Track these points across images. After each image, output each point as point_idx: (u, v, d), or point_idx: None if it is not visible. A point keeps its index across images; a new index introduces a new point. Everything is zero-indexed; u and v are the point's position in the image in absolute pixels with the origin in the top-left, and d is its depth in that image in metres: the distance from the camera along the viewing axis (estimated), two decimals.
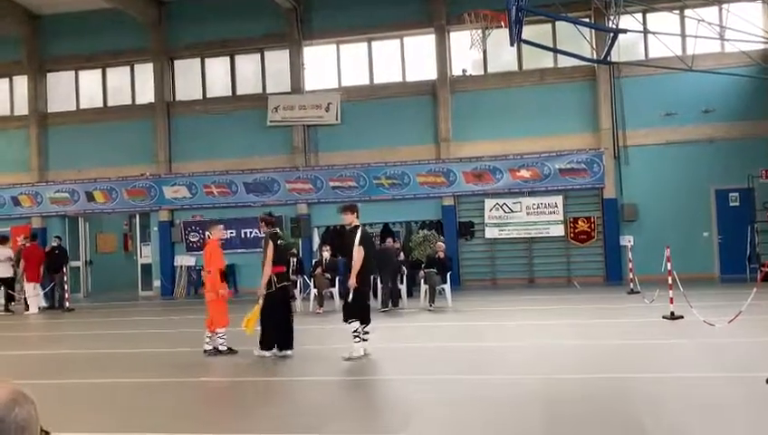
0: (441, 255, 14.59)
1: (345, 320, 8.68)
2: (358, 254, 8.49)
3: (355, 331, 8.49)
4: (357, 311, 8.55)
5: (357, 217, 8.83)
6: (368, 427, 5.86)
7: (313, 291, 14.48)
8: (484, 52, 17.92)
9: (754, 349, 8.22)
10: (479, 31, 16.47)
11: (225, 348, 9.28)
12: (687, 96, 17.57)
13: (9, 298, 16.31)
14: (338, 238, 12.97)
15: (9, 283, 16.43)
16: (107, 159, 20.75)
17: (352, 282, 8.48)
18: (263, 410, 6.54)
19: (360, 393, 7.30)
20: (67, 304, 16.94)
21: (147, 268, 20.92)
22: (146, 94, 21.18)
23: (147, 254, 21.02)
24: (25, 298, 16.65)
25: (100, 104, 21.63)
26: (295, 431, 5.67)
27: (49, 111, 21.86)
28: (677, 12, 17.03)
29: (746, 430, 5.13)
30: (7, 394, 1.62)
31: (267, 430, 5.76)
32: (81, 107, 21.77)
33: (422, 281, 14.28)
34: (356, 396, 7.19)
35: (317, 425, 5.80)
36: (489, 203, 18.55)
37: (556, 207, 18.29)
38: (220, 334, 9.32)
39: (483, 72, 19.37)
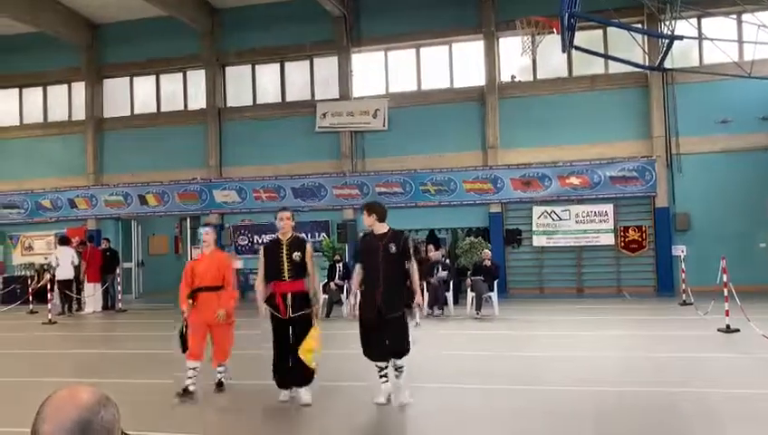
0: (488, 262, 14.50)
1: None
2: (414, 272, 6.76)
3: (378, 366, 6.72)
4: (363, 343, 6.72)
5: (380, 219, 6.78)
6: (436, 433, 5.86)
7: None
8: (534, 58, 17.77)
9: None
10: (530, 37, 16.35)
11: (186, 388, 7.20)
12: (744, 103, 17.12)
13: (68, 300, 16.76)
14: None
15: (68, 285, 16.87)
16: (159, 164, 21.24)
17: (418, 299, 7.00)
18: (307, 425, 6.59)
19: (415, 400, 7.30)
20: (119, 305, 17.38)
21: None
22: (198, 100, 21.63)
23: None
24: (79, 298, 17.08)
25: (154, 110, 22.16)
26: None
27: (105, 116, 22.50)
28: (735, 17, 16.63)
29: None
30: (93, 397, 1.69)
31: None
32: (136, 112, 22.35)
33: (468, 289, 14.22)
34: (414, 402, 7.19)
35: None
36: (537, 210, 18.36)
37: (606, 215, 18.00)
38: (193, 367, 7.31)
39: (532, 78, 19.21)
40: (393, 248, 6.54)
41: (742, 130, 17.20)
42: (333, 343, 9.48)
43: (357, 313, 6.75)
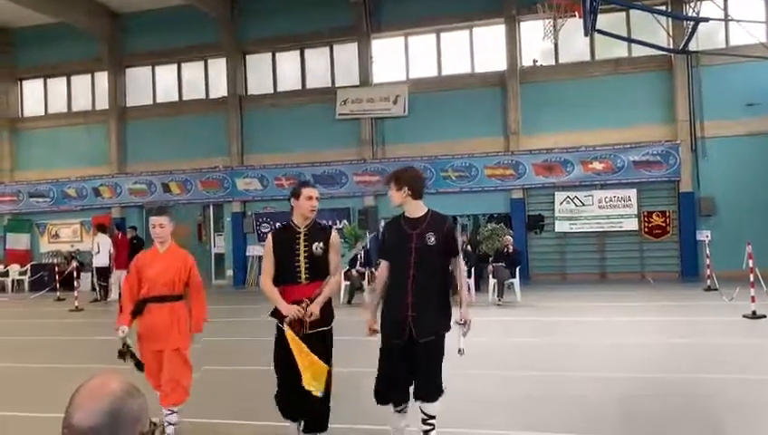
0: (510, 248, 14.46)
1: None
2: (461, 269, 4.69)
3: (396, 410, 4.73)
4: (380, 375, 4.67)
5: (414, 195, 4.61)
6: (461, 420, 5.89)
7: None
8: (556, 42, 17.59)
9: None
10: (552, 21, 16.18)
11: None
12: None
13: (104, 287, 17.00)
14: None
15: (106, 272, 17.09)
16: (182, 152, 21.41)
17: (465, 314, 4.57)
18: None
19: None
20: None
21: (220, 258, 21.53)
22: (219, 89, 21.73)
23: (220, 244, 21.62)
24: (105, 286, 17.30)
25: (176, 98, 22.32)
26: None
27: (127, 105, 22.70)
28: None
29: None
30: (122, 387, 1.73)
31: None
32: (158, 101, 22.53)
33: (490, 275, 14.19)
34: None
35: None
36: (560, 196, 18.24)
37: (630, 200, 17.84)
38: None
39: (554, 63, 19.03)
40: (432, 239, 4.44)
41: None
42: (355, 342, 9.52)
43: (376, 327, 4.65)
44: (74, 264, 17.65)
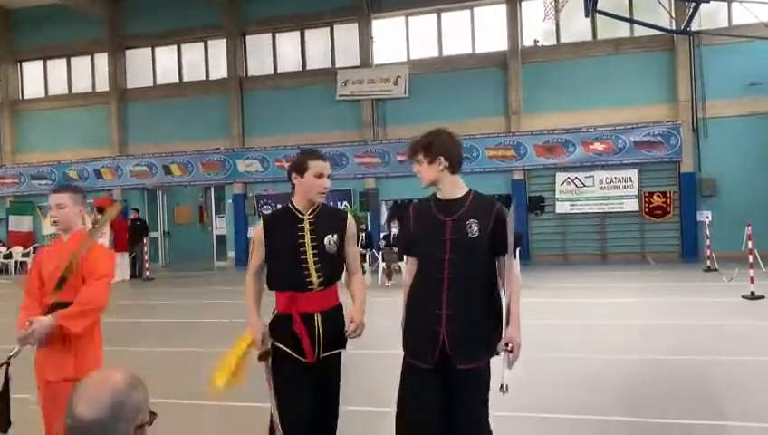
0: None
1: None
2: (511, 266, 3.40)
3: None
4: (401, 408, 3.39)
5: (452, 168, 3.38)
6: None
7: (382, 264, 14.66)
8: (557, 22, 17.49)
9: None
10: (553, 1, 16.07)
11: None
12: None
13: None
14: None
15: None
16: (183, 134, 21.40)
17: (513, 335, 3.31)
18: None
19: None
20: (147, 273, 17.72)
21: (221, 239, 21.61)
22: (219, 70, 21.67)
23: (221, 226, 21.70)
24: None
25: (176, 80, 22.25)
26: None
27: (128, 87, 22.65)
28: None
29: None
30: (126, 379, 1.78)
31: None
32: (158, 83, 22.46)
33: None
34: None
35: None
36: (560, 177, 18.24)
37: (630, 181, 17.84)
38: None
39: (555, 43, 18.94)
40: (475, 229, 3.27)
41: None
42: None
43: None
44: None
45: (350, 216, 3.74)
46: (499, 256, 3.37)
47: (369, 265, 15.29)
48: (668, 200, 17.75)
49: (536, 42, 19.03)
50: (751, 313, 9.52)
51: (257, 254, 3.65)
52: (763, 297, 10.16)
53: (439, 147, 3.36)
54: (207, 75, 22.01)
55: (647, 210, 17.84)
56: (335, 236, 3.55)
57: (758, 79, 16.85)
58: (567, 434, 4.80)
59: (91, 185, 22.28)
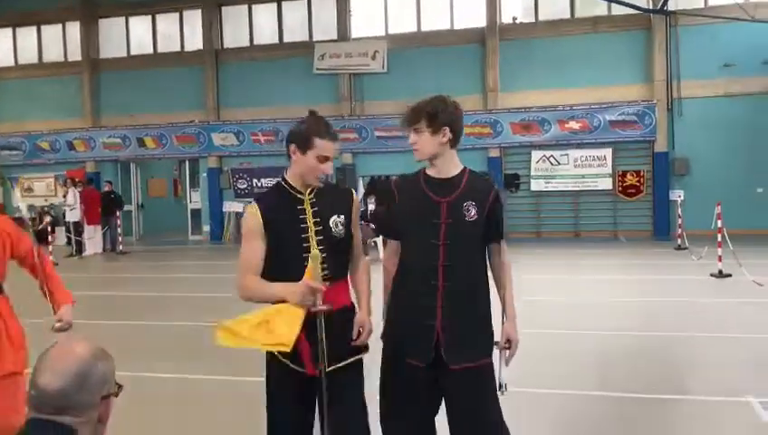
0: None
1: None
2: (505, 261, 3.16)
3: None
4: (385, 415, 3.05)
5: (454, 142, 2.98)
6: None
7: None
8: None
9: None
10: None
11: None
12: (747, 46, 16.88)
13: (77, 241, 16.93)
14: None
15: (79, 226, 17.02)
16: (157, 106, 21.11)
17: (510, 332, 3.03)
18: None
19: None
20: (121, 247, 17.56)
21: (196, 213, 21.46)
22: (194, 41, 21.34)
23: (196, 199, 21.53)
24: (79, 240, 17.19)
25: (150, 51, 21.88)
26: None
27: (101, 57, 22.22)
28: None
29: None
30: (91, 351, 1.78)
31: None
32: (132, 54, 22.06)
33: None
34: None
35: None
36: (536, 155, 18.34)
37: (605, 159, 18.00)
38: None
39: (533, 20, 18.91)
40: (473, 213, 2.95)
41: (744, 74, 17.01)
42: None
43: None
44: (48, 218, 17.49)
45: (353, 192, 3.12)
46: (492, 242, 3.08)
47: None
48: (642, 179, 17.96)
49: (514, 19, 19.00)
50: (718, 290, 9.73)
51: (252, 248, 2.84)
52: (730, 276, 10.37)
53: (446, 116, 2.93)
54: (182, 47, 21.67)
55: (620, 189, 18.04)
56: (341, 217, 2.93)
57: (732, 60, 17.02)
58: (534, 408, 4.88)
59: (64, 157, 21.97)
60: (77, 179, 18.04)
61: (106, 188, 18.55)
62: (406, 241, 3.03)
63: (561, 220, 18.49)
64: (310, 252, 2.77)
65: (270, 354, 2.86)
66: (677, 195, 15.76)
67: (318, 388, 2.82)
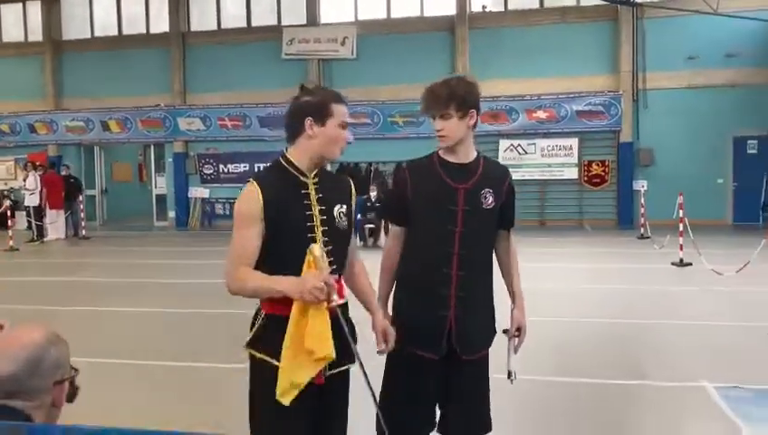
0: None
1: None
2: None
3: None
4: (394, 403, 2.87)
5: (469, 122, 2.86)
6: None
7: None
8: None
9: (759, 299, 8.30)
10: None
11: None
12: (712, 39, 17.14)
13: (39, 226, 16.57)
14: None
15: (39, 211, 16.65)
16: (122, 89, 20.71)
17: (519, 319, 3.16)
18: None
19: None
20: (83, 232, 17.27)
21: (161, 199, 21.19)
22: (160, 24, 20.97)
23: (161, 184, 21.25)
24: (39, 225, 16.82)
25: (115, 33, 21.45)
26: None
27: (63, 38, 21.72)
28: None
29: (745, 373, 5.26)
30: (44, 336, 1.75)
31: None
32: (96, 35, 21.60)
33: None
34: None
35: None
36: (503, 144, 18.46)
37: (571, 149, 18.20)
38: None
39: (503, 9, 18.98)
40: (490, 200, 2.88)
41: (707, 67, 17.29)
42: None
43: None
44: (7, 203, 17.12)
45: (351, 181, 2.81)
46: (503, 229, 3.03)
47: None
48: (607, 169, 18.21)
49: (484, 7, 19.04)
50: (678, 279, 9.94)
51: (249, 235, 2.46)
52: (690, 264, 10.58)
53: (473, 98, 2.85)
54: (148, 29, 21.27)
55: (586, 178, 18.27)
56: (344, 207, 2.66)
57: (696, 53, 17.29)
58: (494, 394, 4.94)
59: (25, 139, 21.49)
60: (38, 163, 17.63)
61: (64, 172, 18.20)
62: (418, 228, 2.90)
63: (528, 209, 18.62)
64: (313, 243, 2.47)
65: (261, 367, 2.49)
66: (641, 185, 16.05)
67: (318, 395, 2.49)
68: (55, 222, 17.04)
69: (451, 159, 2.89)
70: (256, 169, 19.90)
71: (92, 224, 20.16)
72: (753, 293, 8.55)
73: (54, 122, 21.25)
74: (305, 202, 2.54)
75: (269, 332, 2.47)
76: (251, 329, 2.57)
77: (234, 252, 2.49)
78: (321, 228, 2.54)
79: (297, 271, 2.40)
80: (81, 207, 17.54)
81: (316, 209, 2.54)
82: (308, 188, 2.55)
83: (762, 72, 16.99)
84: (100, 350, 6.13)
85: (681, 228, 11.07)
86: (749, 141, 17.44)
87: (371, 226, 14.65)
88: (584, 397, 4.95)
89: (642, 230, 14.82)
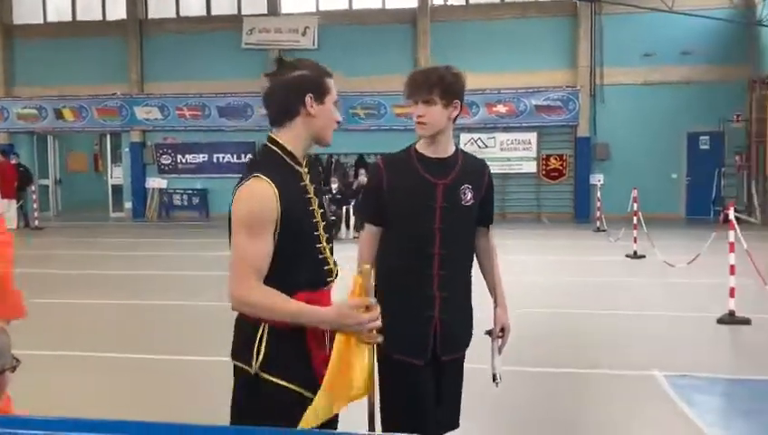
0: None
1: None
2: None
3: None
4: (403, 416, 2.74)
5: (452, 112, 2.75)
6: None
7: None
8: None
9: (708, 290, 8.51)
10: None
11: None
12: (668, 37, 17.48)
13: None
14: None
15: None
16: (77, 77, 20.20)
17: (503, 319, 3.07)
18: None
19: None
20: (36, 222, 16.84)
21: (118, 189, 20.79)
22: (117, 10, 20.50)
23: (118, 175, 20.84)
24: None
25: (69, 18, 20.91)
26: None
27: (15, 23, 21.09)
28: None
29: (694, 362, 5.39)
30: None
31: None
32: (49, 20, 21.03)
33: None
34: None
35: None
36: (464, 137, 18.55)
37: (530, 143, 18.40)
38: None
39: (464, 3, 19.06)
40: (469, 196, 2.77)
41: (663, 64, 17.63)
42: None
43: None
44: None
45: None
46: (482, 225, 2.92)
47: None
48: (564, 163, 18.46)
49: (446, 1, 19.10)
50: (632, 270, 10.16)
51: (264, 244, 2.08)
52: (644, 256, 10.82)
53: (459, 88, 2.71)
54: (104, 15, 20.78)
55: (544, 172, 18.50)
56: (326, 196, 2.47)
57: (652, 50, 17.61)
58: None
59: None
60: None
61: (13, 161, 17.70)
62: (396, 226, 2.75)
63: None
64: (319, 240, 2.21)
65: (277, 394, 2.12)
66: (597, 179, 16.32)
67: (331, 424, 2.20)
68: (7, 212, 16.56)
69: (429, 153, 2.75)
70: (215, 160, 19.69)
71: (46, 214, 19.68)
72: (702, 284, 8.76)
73: (5, 110, 20.61)
74: (306, 196, 2.23)
75: (282, 351, 2.11)
76: (249, 345, 2.11)
77: (244, 263, 2.07)
78: (321, 223, 2.25)
79: (306, 268, 2.17)
80: (34, 197, 17.09)
81: (315, 203, 2.25)
82: (304, 179, 2.24)
83: (715, 70, 17.41)
84: (50, 343, 5.99)
85: (635, 222, 11.30)
86: (702, 137, 17.87)
87: (332, 218, 14.59)
88: (540, 387, 5.02)
89: (598, 223, 15.07)
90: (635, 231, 11.26)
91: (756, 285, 6.72)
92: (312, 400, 2.06)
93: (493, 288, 2.97)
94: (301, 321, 2.09)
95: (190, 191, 19.86)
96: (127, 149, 20.43)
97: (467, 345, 2.90)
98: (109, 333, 6.72)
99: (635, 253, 11.03)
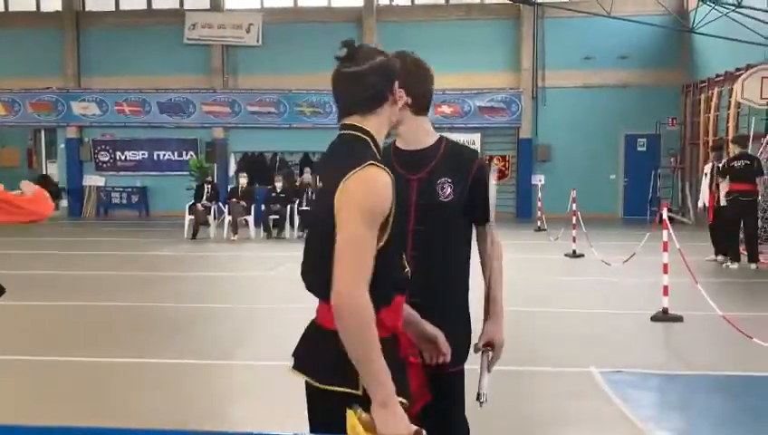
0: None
1: None
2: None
3: None
4: None
5: (417, 107, 2.54)
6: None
7: (228, 218, 14.31)
8: None
9: (643, 288, 8.75)
10: None
11: None
12: (606, 41, 17.92)
13: None
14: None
15: None
16: (8, 69, 19.40)
17: (494, 334, 2.68)
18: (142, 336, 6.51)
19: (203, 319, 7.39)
20: None
21: None
22: (52, 2, 19.83)
23: (53, 171, 20.18)
24: None
25: (2, 8, 20.12)
26: (209, 358, 5.71)
27: None
28: None
29: (628, 358, 5.52)
30: None
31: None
32: None
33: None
34: (261, 325, 7.27)
35: (230, 350, 5.88)
36: None
37: (474, 144, 18.53)
38: None
39: (410, 3, 19.14)
40: (448, 191, 2.52)
41: (602, 67, 18.08)
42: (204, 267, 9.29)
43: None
44: None
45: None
46: (477, 225, 2.64)
47: (215, 218, 14.89)
48: (507, 164, 18.73)
49: (391, 1, 19.14)
50: (571, 269, 10.37)
51: (373, 241, 1.89)
52: (582, 255, 11.05)
53: (400, 76, 2.32)
54: (38, 6, 20.08)
55: None
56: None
57: (591, 53, 18.03)
58: None
59: None
60: None
61: None
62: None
63: None
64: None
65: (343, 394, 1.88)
66: (539, 179, 16.63)
67: None
68: None
69: (402, 145, 2.55)
70: (156, 158, 19.24)
71: None
72: (637, 282, 8.99)
73: None
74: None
75: (396, 352, 1.96)
76: (342, 362, 1.83)
77: (358, 264, 1.83)
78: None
79: (399, 282, 2.01)
80: None
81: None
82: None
83: (651, 74, 17.95)
84: None
85: (574, 221, 11.54)
86: (639, 139, 18.41)
87: (276, 216, 14.44)
88: (477, 383, 5.03)
89: (539, 223, 15.34)
90: (574, 231, 11.49)
91: (688, 284, 6.92)
92: (408, 405, 1.87)
93: (487, 298, 2.65)
94: (369, 365, 1.79)
95: (129, 189, 19.36)
96: (63, 146, 19.80)
97: (461, 360, 2.56)
98: (29, 334, 6.47)
99: (574, 252, 11.25)
